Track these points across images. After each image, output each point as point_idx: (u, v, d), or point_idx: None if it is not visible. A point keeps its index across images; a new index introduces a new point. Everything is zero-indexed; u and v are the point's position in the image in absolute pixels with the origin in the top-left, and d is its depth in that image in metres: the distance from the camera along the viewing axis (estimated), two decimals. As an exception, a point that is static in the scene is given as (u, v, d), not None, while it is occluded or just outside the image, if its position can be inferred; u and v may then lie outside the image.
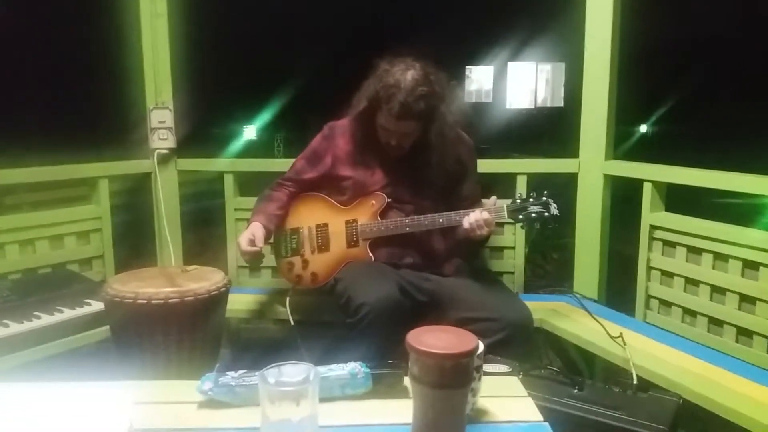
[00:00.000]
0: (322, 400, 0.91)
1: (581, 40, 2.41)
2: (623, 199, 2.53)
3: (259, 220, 2.09)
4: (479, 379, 1.05)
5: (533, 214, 1.90)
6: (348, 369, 1.12)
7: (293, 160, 2.24)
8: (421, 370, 0.76)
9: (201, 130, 3.10)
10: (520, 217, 1.91)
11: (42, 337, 1.89)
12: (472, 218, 1.89)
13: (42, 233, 2.33)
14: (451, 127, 2.03)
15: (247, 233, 2.04)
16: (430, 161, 2.02)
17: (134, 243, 2.81)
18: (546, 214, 1.89)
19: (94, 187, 2.49)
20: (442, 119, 1.98)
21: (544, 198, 1.91)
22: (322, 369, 1.09)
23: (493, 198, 1.97)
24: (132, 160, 2.68)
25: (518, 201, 1.93)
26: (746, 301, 1.91)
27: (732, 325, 1.94)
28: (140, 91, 2.63)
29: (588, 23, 2.37)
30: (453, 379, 0.76)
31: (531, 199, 1.92)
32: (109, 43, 2.83)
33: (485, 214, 1.88)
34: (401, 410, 1.02)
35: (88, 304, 2.03)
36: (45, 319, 1.92)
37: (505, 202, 1.94)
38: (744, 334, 1.92)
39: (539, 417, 1.07)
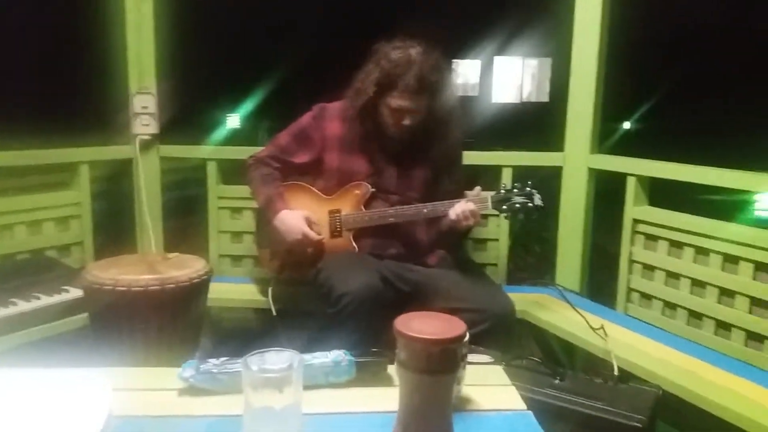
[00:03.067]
0: (306, 387, 0.90)
1: (568, 35, 2.42)
2: (605, 194, 2.54)
3: (287, 207, 2.04)
4: (464, 367, 1.05)
5: (517, 205, 1.90)
6: (332, 357, 1.11)
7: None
8: (408, 355, 0.76)
9: (184, 117, 3.05)
10: (504, 207, 1.91)
11: (19, 324, 1.85)
12: (458, 209, 1.88)
13: (20, 218, 2.28)
14: (447, 126, 2.02)
15: (300, 226, 1.99)
16: (420, 156, 2.01)
17: (114, 230, 2.77)
18: (530, 204, 1.89)
19: (74, 172, 2.44)
20: (441, 119, 1.98)
21: (528, 189, 1.91)
22: (306, 357, 1.08)
23: (477, 188, 1.96)
24: (113, 146, 2.64)
25: (502, 191, 1.93)
26: (725, 294, 1.94)
27: (711, 318, 1.97)
28: (123, 75, 2.58)
29: (577, 17, 2.37)
30: (441, 364, 0.75)
31: (515, 190, 1.92)
32: (92, 26, 2.77)
33: (470, 205, 1.88)
34: (385, 398, 1.01)
35: (66, 291, 1.99)
36: (22, 306, 1.88)
37: (489, 193, 1.94)
38: (723, 327, 1.94)
39: (523, 406, 1.08)
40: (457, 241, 2.23)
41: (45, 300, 1.93)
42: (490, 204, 1.91)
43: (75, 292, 1.97)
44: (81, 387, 1.01)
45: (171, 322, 1.84)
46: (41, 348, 1.89)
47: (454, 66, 5.34)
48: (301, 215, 2.02)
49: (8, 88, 3.35)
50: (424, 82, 1.87)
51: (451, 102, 2.02)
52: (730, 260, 1.92)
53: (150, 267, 1.89)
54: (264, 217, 2.12)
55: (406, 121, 1.95)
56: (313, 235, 2.00)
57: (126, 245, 2.63)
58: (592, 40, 2.35)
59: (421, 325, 0.77)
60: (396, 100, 1.91)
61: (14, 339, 1.84)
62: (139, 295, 1.77)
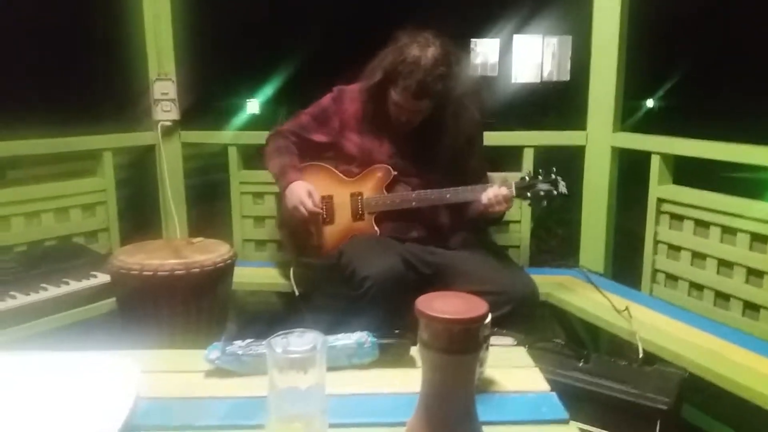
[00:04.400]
0: (329, 369, 0.91)
1: (588, 12, 2.37)
2: (629, 173, 2.51)
3: (298, 179, 2.03)
4: (486, 348, 1.04)
5: (541, 192, 1.87)
6: (355, 338, 1.12)
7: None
8: (430, 335, 0.76)
9: (204, 103, 3.07)
10: (528, 194, 1.88)
11: (48, 309, 1.89)
12: (490, 193, 1.86)
13: (48, 206, 2.32)
14: (465, 107, 2.00)
15: (299, 194, 1.98)
16: (439, 138, 1.99)
17: (139, 217, 2.81)
18: (554, 192, 1.86)
19: (98, 159, 2.47)
20: (457, 100, 1.96)
21: (553, 176, 1.87)
22: (329, 338, 1.09)
23: (503, 174, 1.95)
24: (135, 132, 2.66)
25: (526, 178, 1.90)
26: (753, 274, 1.90)
27: (739, 299, 1.94)
28: (143, 62, 2.60)
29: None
30: (463, 344, 0.75)
31: (539, 177, 1.89)
32: (111, 13, 2.79)
33: (504, 190, 1.85)
34: (408, 379, 1.02)
35: (95, 276, 2.03)
36: (51, 291, 1.92)
37: (513, 179, 1.92)
38: (750, 307, 1.91)
39: (546, 387, 1.07)
40: (485, 227, 2.22)
41: (74, 285, 1.97)
42: (514, 191, 1.88)
43: (103, 278, 2.01)
44: (109, 370, 1.03)
45: (196, 306, 1.87)
46: (70, 332, 1.93)
47: (472, 46, 5.29)
48: (305, 186, 2.01)
49: (31, 78, 3.39)
50: (425, 89, 1.84)
51: (468, 97, 1.99)
52: (758, 239, 1.88)
53: (175, 252, 1.92)
54: (279, 188, 2.13)
55: (403, 118, 1.95)
56: (308, 204, 1.98)
57: (151, 231, 2.67)
58: (613, 16, 2.30)
59: (443, 305, 0.77)
60: (396, 96, 1.91)
61: (44, 324, 1.88)
62: (165, 279, 1.80)
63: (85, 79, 3.63)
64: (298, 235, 2.14)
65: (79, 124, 2.51)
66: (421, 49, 1.85)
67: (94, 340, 1.94)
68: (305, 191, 2.01)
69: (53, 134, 2.39)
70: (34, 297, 1.88)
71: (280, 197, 2.24)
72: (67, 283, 1.97)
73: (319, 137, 2.11)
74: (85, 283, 1.99)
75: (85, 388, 0.97)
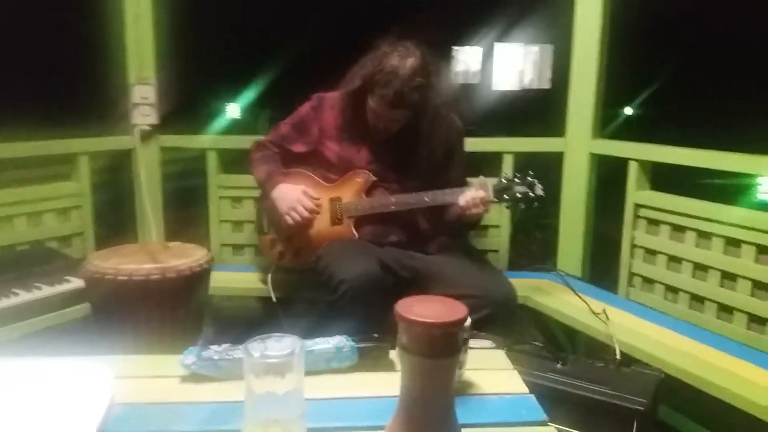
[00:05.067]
0: (308, 373, 0.90)
1: (569, 20, 2.40)
2: (607, 180, 2.54)
3: (285, 182, 2.04)
4: (465, 351, 1.05)
5: (518, 195, 1.88)
6: (333, 342, 1.12)
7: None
8: (410, 339, 0.75)
9: (183, 108, 3.04)
10: (505, 197, 1.89)
11: (21, 314, 1.85)
12: (468, 196, 1.86)
13: (21, 210, 2.27)
14: (443, 117, 2.01)
15: (296, 193, 1.99)
16: (417, 147, 2.00)
17: (115, 221, 2.77)
18: (531, 194, 1.87)
19: (74, 163, 2.44)
20: (435, 110, 1.96)
21: (530, 178, 1.89)
22: (308, 343, 1.08)
23: (480, 177, 1.96)
24: (113, 137, 2.63)
25: (504, 181, 1.91)
26: (727, 278, 1.93)
27: (713, 301, 1.97)
28: (122, 66, 2.57)
29: (578, 3, 2.35)
30: (442, 348, 0.75)
31: (516, 179, 1.90)
32: (91, 16, 2.76)
33: (481, 192, 1.85)
34: (387, 383, 1.01)
35: (68, 281, 1.99)
36: (23, 296, 1.88)
37: (490, 182, 1.93)
38: (725, 310, 1.94)
39: (525, 389, 1.08)
40: (464, 231, 2.23)
41: (46, 290, 1.93)
42: (491, 193, 1.89)
43: (76, 282, 1.97)
44: (83, 375, 1.02)
45: (172, 311, 1.84)
46: (43, 338, 1.89)
47: (454, 53, 5.32)
48: (297, 187, 2.03)
49: (7, 80, 3.33)
50: (402, 99, 1.84)
51: (447, 107, 2.00)
52: (733, 244, 1.91)
53: (151, 256, 1.89)
54: (264, 194, 2.12)
55: (381, 125, 1.95)
56: (307, 202, 1.99)
57: (127, 236, 2.63)
58: (594, 25, 2.33)
59: (422, 309, 0.76)
60: (373, 103, 1.91)
61: (16, 329, 1.84)
62: (140, 284, 1.77)
63: (63, 82, 3.58)
64: (278, 240, 2.13)
65: (55, 127, 2.47)
66: (401, 59, 1.85)
67: (67, 346, 1.90)
68: (300, 191, 2.01)
69: (30, 137, 2.35)
70: (5, 302, 1.84)
71: (260, 202, 2.23)
72: (39, 288, 1.93)
73: (299, 147, 2.12)
74: (59, 288, 1.95)
75: (58, 394, 0.95)
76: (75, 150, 2.43)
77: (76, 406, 0.93)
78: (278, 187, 2.03)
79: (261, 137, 2.19)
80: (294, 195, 2.01)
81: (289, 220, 2.01)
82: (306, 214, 2.00)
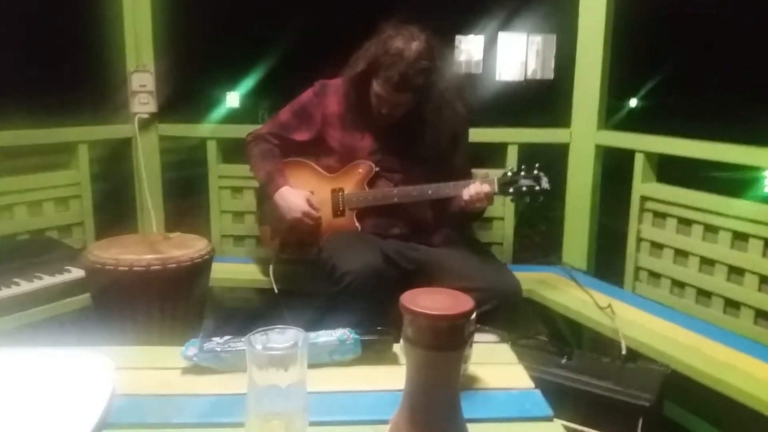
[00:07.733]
0: (310, 366, 0.88)
1: (574, 11, 2.37)
2: (612, 171, 2.51)
3: (288, 184, 2.02)
4: (470, 345, 1.03)
5: (524, 188, 1.85)
6: (336, 335, 1.10)
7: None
8: (415, 331, 0.73)
9: (182, 96, 3.01)
10: (511, 190, 1.86)
11: (21, 304, 1.84)
12: (472, 190, 1.84)
13: (20, 199, 2.26)
14: (447, 103, 1.98)
15: (300, 204, 1.97)
16: (422, 133, 1.97)
17: (115, 210, 2.75)
18: (537, 188, 1.84)
19: (73, 152, 2.41)
20: (440, 96, 1.94)
21: (535, 171, 1.86)
22: (311, 335, 1.07)
23: (485, 171, 1.94)
24: (112, 125, 2.60)
25: (509, 174, 1.88)
26: (734, 272, 1.91)
27: (720, 296, 1.95)
28: (120, 53, 2.54)
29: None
30: (448, 341, 0.73)
31: (522, 173, 1.87)
32: (89, 4, 2.73)
33: (486, 187, 1.83)
34: (391, 376, 1.00)
35: (68, 271, 1.98)
36: (24, 286, 1.87)
37: (495, 175, 1.90)
38: (732, 305, 1.92)
39: (530, 384, 1.06)
40: (467, 223, 2.21)
41: (47, 280, 1.92)
42: (496, 187, 1.87)
43: (77, 272, 1.95)
44: (84, 366, 1.00)
45: (173, 302, 1.83)
46: (44, 328, 1.88)
47: (457, 43, 5.28)
48: (302, 194, 2.00)
49: (6, 69, 3.31)
50: (406, 81, 1.82)
51: (451, 93, 1.97)
52: (740, 238, 1.89)
53: (151, 247, 1.87)
54: (264, 193, 2.10)
55: (384, 110, 1.92)
56: (313, 213, 1.98)
57: (127, 225, 2.61)
58: (599, 15, 2.30)
59: (427, 301, 0.75)
60: (377, 87, 1.89)
61: (17, 319, 1.82)
62: (140, 274, 1.75)
63: (62, 70, 3.55)
64: (280, 232, 2.11)
65: (54, 116, 2.45)
66: (405, 42, 1.83)
67: (67, 336, 1.89)
68: (303, 199, 1.98)
69: (29, 126, 2.33)
70: (6, 292, 1.82)
71: (261, 194, 2.21)
72: (40, 278, 1.91)
73: (301, 135, 2.08)
74: (59, 278, 1.94)
75: (59, 385, 0.94)
76: (74, 138, 2.41)
77: (77, 398, 0.91)
78: (279, 192, 2.00)
79: (259, 126, 2.14)
80: (297, 204, 1.98)
81: (291, 223, 1.99)
82: (311, 224, 1.99)
